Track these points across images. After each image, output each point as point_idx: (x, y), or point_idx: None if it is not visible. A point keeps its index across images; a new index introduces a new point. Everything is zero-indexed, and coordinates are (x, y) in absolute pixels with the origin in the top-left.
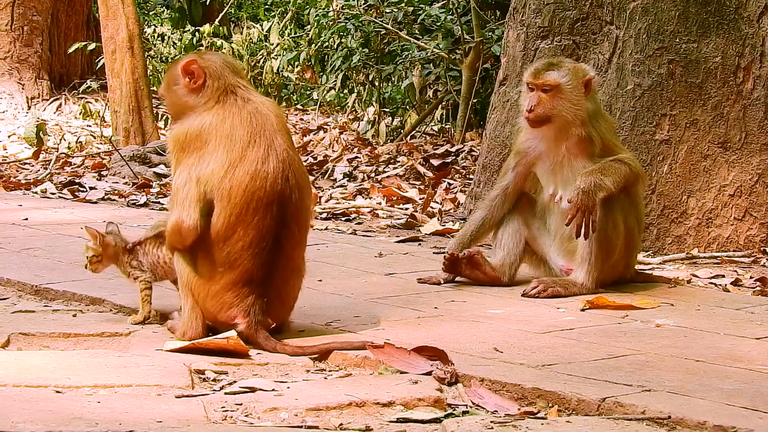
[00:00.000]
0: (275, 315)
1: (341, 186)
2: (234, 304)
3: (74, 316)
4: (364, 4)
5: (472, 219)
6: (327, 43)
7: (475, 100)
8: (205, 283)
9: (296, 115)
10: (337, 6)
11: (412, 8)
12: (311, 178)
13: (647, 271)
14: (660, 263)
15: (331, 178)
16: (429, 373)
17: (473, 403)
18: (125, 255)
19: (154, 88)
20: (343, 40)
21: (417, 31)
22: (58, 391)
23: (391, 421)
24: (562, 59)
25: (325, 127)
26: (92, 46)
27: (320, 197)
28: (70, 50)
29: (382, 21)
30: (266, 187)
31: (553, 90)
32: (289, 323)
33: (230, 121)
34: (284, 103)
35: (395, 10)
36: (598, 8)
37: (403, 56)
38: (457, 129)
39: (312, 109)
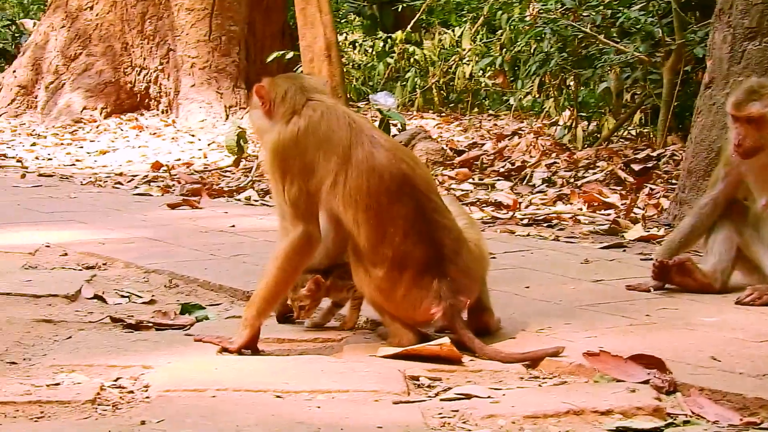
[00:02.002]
0: (465, 292)
1: (540, 192)
2: (423, 297)
3: None
4: (561, 8)
5: (680, 226)
6: (521, 48)
7: (675, 103)
8: (390, 294)
9: (489, 120)
10: (533, 10)
11: (610, 11)
12: (510, 183)
13: None
14: None
15: (530, 183)
16: (646, 382)
17: (693, 413)
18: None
19: (350, 95)
20: (539, 45)
21: (615, 34)
22: (278, 396)
23: (610, 430)
24: (765, 83)
25: (519, 132)
26: (290, 54)
27: (520, 203)
28: (269, 59)
29: (579, 24)
30: (387, 177)
31: (758, 121)
32: (499, 327)
33: (326, 124)
34: (476, 109)
35: (593, 13)
36: None
37: (602, 60)
38: (659, 133)
39: (505, 114)
